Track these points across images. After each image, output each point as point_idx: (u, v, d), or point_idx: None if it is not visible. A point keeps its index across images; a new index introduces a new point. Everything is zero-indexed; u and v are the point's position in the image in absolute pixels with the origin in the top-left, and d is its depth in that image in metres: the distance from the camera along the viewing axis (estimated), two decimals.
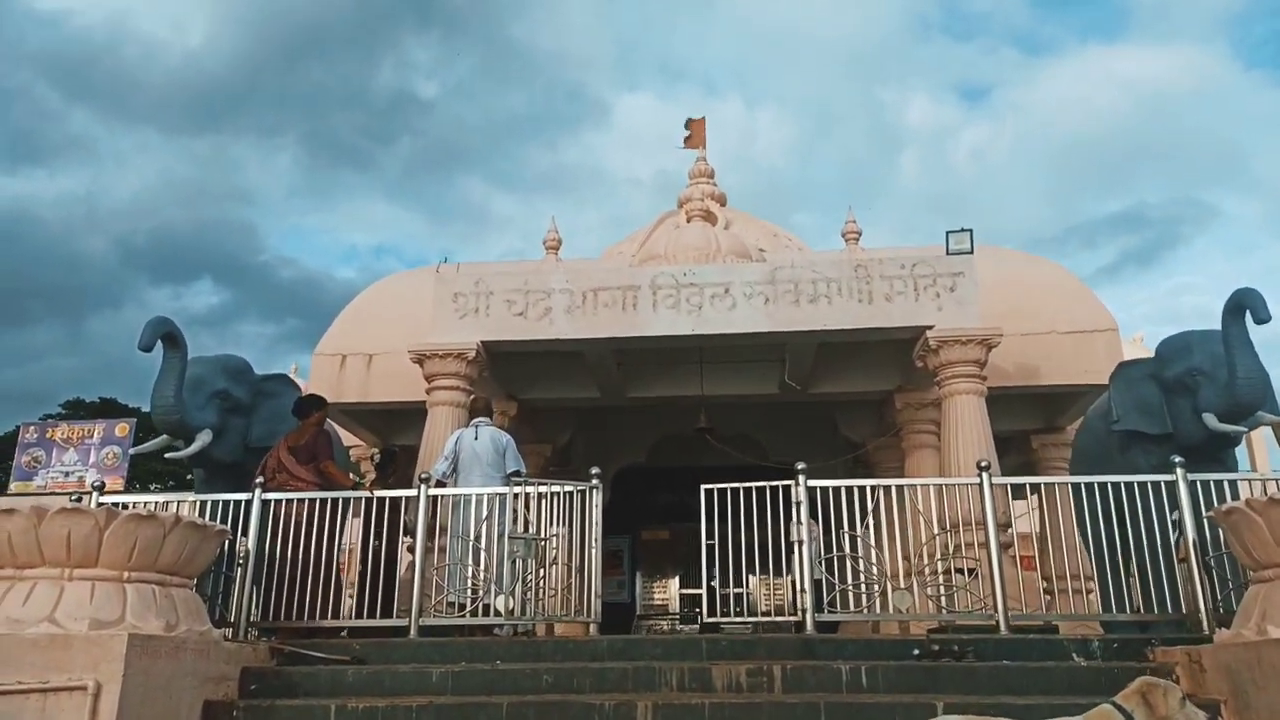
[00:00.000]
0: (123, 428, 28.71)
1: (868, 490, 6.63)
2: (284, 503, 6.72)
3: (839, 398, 11.09)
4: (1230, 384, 7.06)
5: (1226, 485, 6.16)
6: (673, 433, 12.33)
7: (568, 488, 6.77)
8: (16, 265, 67.24)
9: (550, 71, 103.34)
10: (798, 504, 6.39)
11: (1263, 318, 6.79)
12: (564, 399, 10.83)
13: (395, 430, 11.74)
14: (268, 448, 7.48)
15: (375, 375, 10.62)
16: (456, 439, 7.69)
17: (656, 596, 16.94)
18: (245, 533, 6.51)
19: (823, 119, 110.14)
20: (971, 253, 9.09)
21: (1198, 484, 6.15)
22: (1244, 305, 6.93)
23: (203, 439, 7.51)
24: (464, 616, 6.54)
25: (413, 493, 6.76)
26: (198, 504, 6.68)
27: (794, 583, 6.36)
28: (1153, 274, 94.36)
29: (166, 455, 7.69)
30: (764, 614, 6.54)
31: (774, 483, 6.48)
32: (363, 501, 6.95)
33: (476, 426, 7.78)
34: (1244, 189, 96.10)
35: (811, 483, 6.49)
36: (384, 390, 10.52)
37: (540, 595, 6.57)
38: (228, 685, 5.26)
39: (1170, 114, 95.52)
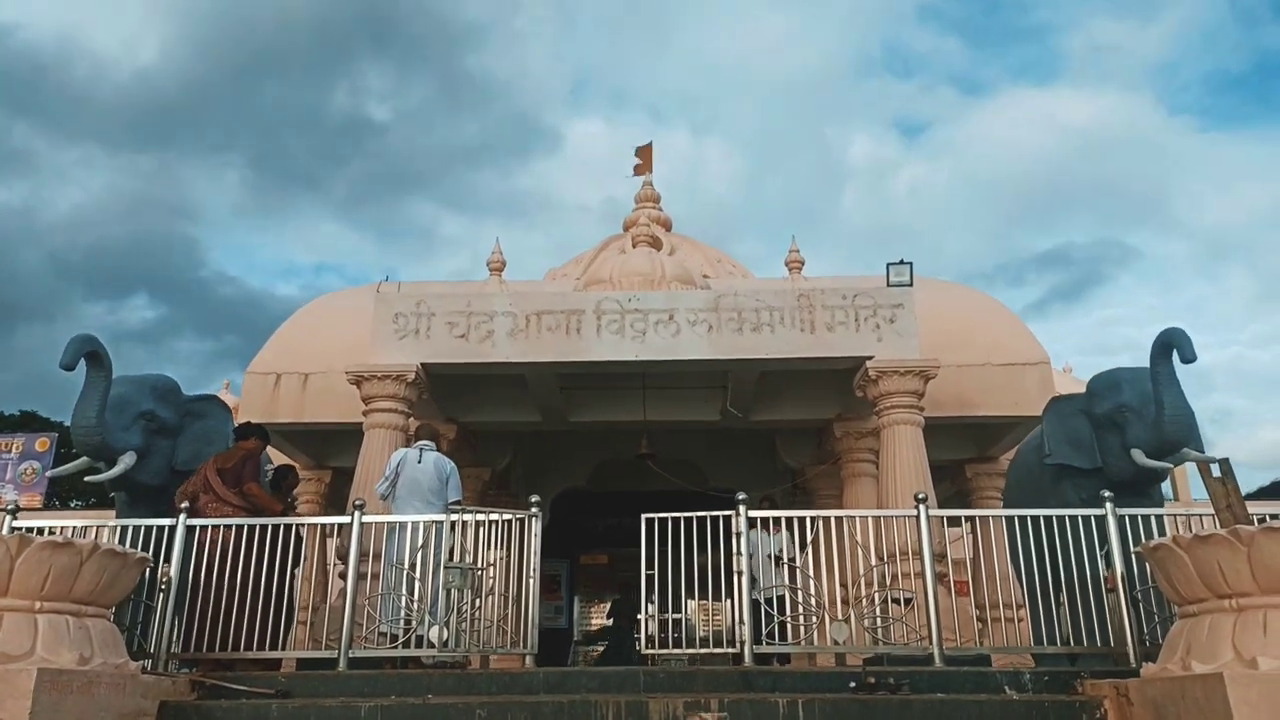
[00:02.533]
0: (43, 442, 27.82)
1: (807, 521, 6.65)
2: (209, 529, 6.49)
3: (780, 425, 11.15)
4: (1158, 421, 7.27)
5: (1154, 520, 6.30)
6: (613, 457, 12.26)
7: (506, 516, 6.64)
8: None
9: (504, 100, 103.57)
10: (738, 535, 6.37)
11: (1188, 357, 7.00)
12: (505, 422, 10.70)
13: (332, 452, 11.50)
14: (194, 471, 7.20)
15: (311, 395, 10.36)
16: (400, 459, 7.49)
17: (594, 621, 16.81)
18: (168, 559, 6.27)
19: (768, 150, 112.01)
20: (911, 285, 9.24)
21: (1126, 518, 6.28)
22: (1171, 344, 7.15)
23: (125, 461, 7.23)
24: (396, 648, 6.36)
25: (346, 519, 6.59)
26: (118, 529, 6.41)
27: (734, 612, 6.33)
28: (1080, 308, 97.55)
29: (87, 479, 7.38)
30: (702, 643, 6.46)
31: (715, 513, 6.46)
32: (293, 528, 6.72)
33: (421, 449, 7.59)
34: (1166, 229, 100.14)
35: (752, 514, 6.49)
36: (320, 410, 10.26)
37: (476, 626, 6.42)
38: None
39: (1098, 156, 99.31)
